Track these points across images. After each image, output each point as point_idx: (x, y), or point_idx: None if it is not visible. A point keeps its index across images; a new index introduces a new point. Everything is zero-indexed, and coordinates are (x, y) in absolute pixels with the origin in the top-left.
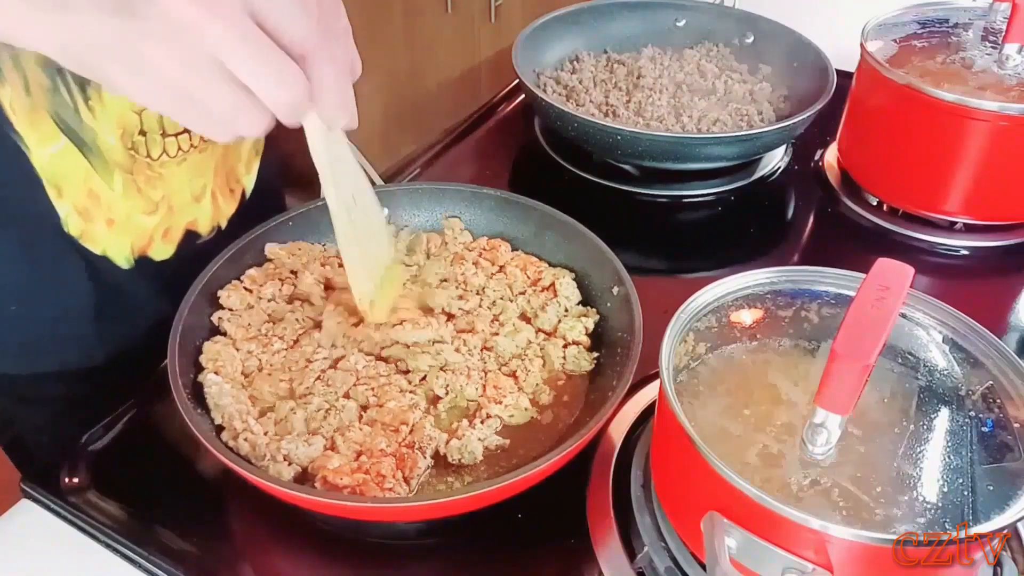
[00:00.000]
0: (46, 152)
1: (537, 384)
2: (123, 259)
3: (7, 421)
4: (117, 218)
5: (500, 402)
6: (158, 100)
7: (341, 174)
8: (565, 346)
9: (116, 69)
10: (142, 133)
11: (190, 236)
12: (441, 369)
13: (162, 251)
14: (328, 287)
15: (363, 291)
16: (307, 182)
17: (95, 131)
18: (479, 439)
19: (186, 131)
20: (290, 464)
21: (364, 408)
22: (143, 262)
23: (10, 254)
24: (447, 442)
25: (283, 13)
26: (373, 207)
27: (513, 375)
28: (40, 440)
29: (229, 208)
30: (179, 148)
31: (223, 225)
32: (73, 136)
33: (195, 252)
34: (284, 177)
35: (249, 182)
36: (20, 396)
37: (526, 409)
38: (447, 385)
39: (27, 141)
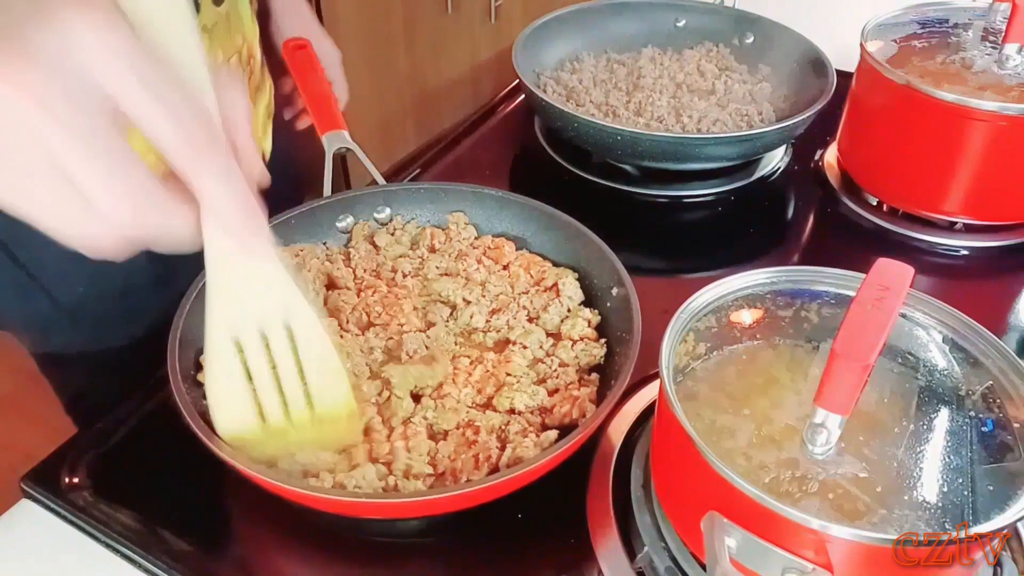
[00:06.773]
0: None
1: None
2: None
3: (79, 395)
4: None
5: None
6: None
7: (254, 301)
8: (573, 344)
9: None
10: None
11: None
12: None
13: None
14: (330, 286)
15: (226, 428)
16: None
17: None
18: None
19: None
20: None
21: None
22: None
23: None
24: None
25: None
26: (316, 349)
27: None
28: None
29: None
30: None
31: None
32: None
33: None
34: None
35: (267, 145)
36: (94, 370)
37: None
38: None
39: None
